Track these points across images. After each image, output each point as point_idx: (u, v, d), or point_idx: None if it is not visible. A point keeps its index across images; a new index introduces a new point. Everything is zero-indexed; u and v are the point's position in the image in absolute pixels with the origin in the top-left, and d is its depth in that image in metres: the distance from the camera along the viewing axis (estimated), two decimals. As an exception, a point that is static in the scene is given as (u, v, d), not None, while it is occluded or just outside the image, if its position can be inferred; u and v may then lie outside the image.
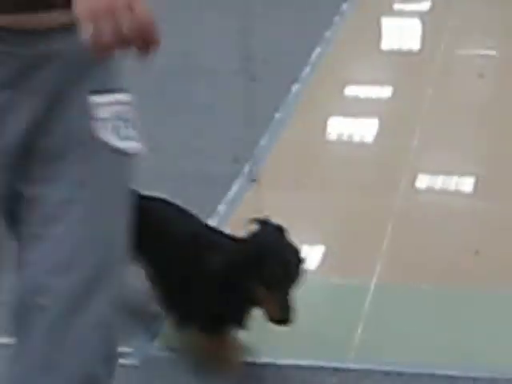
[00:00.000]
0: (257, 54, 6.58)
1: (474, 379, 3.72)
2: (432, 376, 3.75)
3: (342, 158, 5.63)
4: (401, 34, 7.72)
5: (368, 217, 4.93)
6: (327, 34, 7.39)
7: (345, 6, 8.00)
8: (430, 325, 4.07)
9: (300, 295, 3.82)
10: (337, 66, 6.97)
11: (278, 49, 7.04)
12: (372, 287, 4.32)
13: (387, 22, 8.02)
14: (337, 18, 7.73)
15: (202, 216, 4.38)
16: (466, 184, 5.22)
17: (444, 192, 5.16)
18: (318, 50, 7.07)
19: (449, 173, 5.33)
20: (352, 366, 3.79)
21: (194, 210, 4.36)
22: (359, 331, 4.00)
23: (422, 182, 5.24)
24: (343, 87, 6.51)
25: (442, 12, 8.09)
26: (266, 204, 4.95)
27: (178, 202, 4.76)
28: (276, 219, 4.84)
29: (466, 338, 3.96)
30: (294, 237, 4.76)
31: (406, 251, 4.64)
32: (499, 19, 7.92)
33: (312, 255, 4.55)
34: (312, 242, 4.72)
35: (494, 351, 3.91)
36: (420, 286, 4.35)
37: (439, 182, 5.26)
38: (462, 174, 5.32)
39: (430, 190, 5.18)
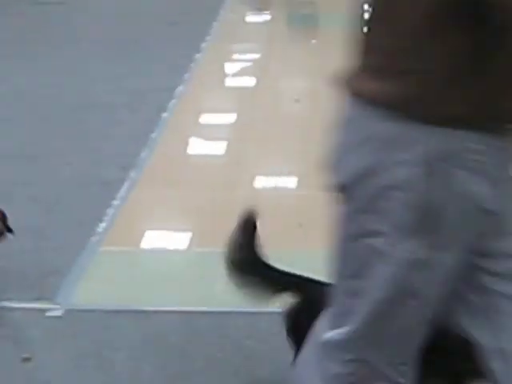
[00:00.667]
0: (137, 91, 6.82)
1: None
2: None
3: (200, 165, 5.66)
4: (239, 74, 7.74)
5: (223, 205, 4.98)
6: (186, 75, 7.40)
7: (198, 55, 8.03)
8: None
9: (185, 262, 3.98)
10: (194, 99, 6.98)
11: (152, 86, 7.07)
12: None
13: (229, 66, 8.06)
14: (192, 64, 7.74)
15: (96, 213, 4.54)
16: (292, 181, 5.34)
17: (275, 187, 5.26)
18: (180, 87, 7.07)
19: (278, 173, 5.45)
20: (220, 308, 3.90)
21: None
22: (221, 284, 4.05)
23: (260, 180, 5.37)
24: (199, 115, 6.55)
25: (268, 57, 8.22)
26: (147, 199, 5.13)
27: (77, 203, 4.89)
28: (155, 211, 5.06)
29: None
30: (169, 222, 4.97)
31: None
32: (310, 60, 8.01)
33: (185, 234, 4.64)
34: (183, 224, 4.81)
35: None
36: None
37: (271, 180, 5.36)
38: (288, 173, 5.45)
39: (265, 185, 5.30)
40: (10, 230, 3.82)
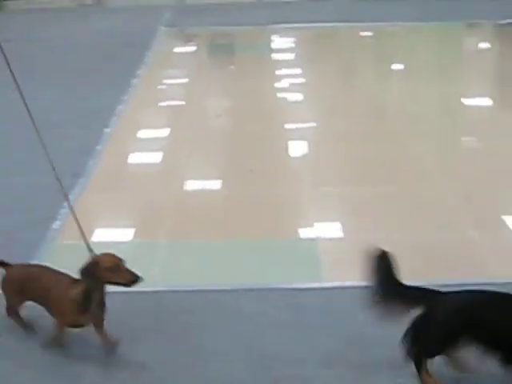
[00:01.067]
0: (84, 111, 6.81)
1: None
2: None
3: (139, 172, 5.66)
4: (170, 95, 7.77)
5: (159, 205, 5.04)
6: (125, 97, 7.42)
7: (135, 80, 8.05)
8: (202, 260, 4.23)
9: (128, 251, 3.98)
10: (132, 117, 6.96)
11: (96, 106, 7.07)
12: (163, 242, 4.52)
13: (161, 89, 8.05)
14: (130, 88, 7.75)
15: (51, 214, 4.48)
16: (216, 183, 5.37)
17: (202, 189, 5.29)
18: (120, 107, 7.08)
19: (205, 177, 5.48)
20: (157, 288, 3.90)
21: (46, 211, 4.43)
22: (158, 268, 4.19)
23: (190, 183, 5.38)
24: (137, 130, 6.55)
25: (194, 81, 8.27)
26: (95, 201, 5.13)
27: (35, 205, 4.82)
28: (102, 210, 5.03)
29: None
30: (114, 219, 4.95)
31: (181, 222, 4.79)
32: (229, 82, 8.16)
33: (128, 229, 4.67)
34: (126, 221, 4.81)
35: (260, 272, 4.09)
36: (190, 240, 4.54)
37: (199, 183, 5.40)
38: (213, 177, 5.48)
39: (194, 188, 5.32)
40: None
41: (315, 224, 4.66)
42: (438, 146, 6.14)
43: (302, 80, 8.27)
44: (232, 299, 3.81)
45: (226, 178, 5.49)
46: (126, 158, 5.94)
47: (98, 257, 3.34)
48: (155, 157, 5.93)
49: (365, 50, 10.05)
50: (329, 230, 4.61)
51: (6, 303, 3.60)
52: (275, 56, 9.40)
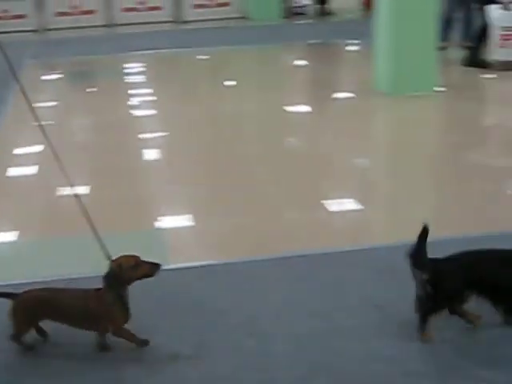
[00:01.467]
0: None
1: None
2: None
3: (17, 183, 5.55)
4: (41, 116, 7.61)
5: (35, 209, 4.93)
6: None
7: (7, 107, 7.76)
8: (72, 252, 4.18)
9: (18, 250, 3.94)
10: (7, 137, 6.83)
11: None
12: (39, 240, 4.44)
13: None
14: (2, 113, 7.53)
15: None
16: (83, 188, 5.27)
17: (73, 194, 4.96)
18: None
19: (75, 184, 5.37)
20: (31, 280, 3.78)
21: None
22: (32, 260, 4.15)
23: (61, 189, 5.25)
24: (13, 148, 6.40)
25: (61, 103, 8.13)
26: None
27: None
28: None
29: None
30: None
31: (55, 222, 4.77)
32: (89, 102, 8.12)
33: (14, 232, 4.58)
34: (11, 225, 4.72)
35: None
36: (61, 236, 4.47)
37: (69, 189, 5.14)
38: (81, 183, 5.34)
39: (64, 193, 5.13)
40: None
41: (167, 216, 4.74)
42: (266, 146, 6.39)
43: (151, 98, 8.37)
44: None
45: (92, 183, 5.49)
46: (5, 171, 5.81)
47: (117, 260, 3.08)
48: (31, 169, 5.84)
49: (202, 70, 10.29)
50: (178, 220, 4.71)
51: (14, 330, 3.16)
52: (127, 79, 9.46)
